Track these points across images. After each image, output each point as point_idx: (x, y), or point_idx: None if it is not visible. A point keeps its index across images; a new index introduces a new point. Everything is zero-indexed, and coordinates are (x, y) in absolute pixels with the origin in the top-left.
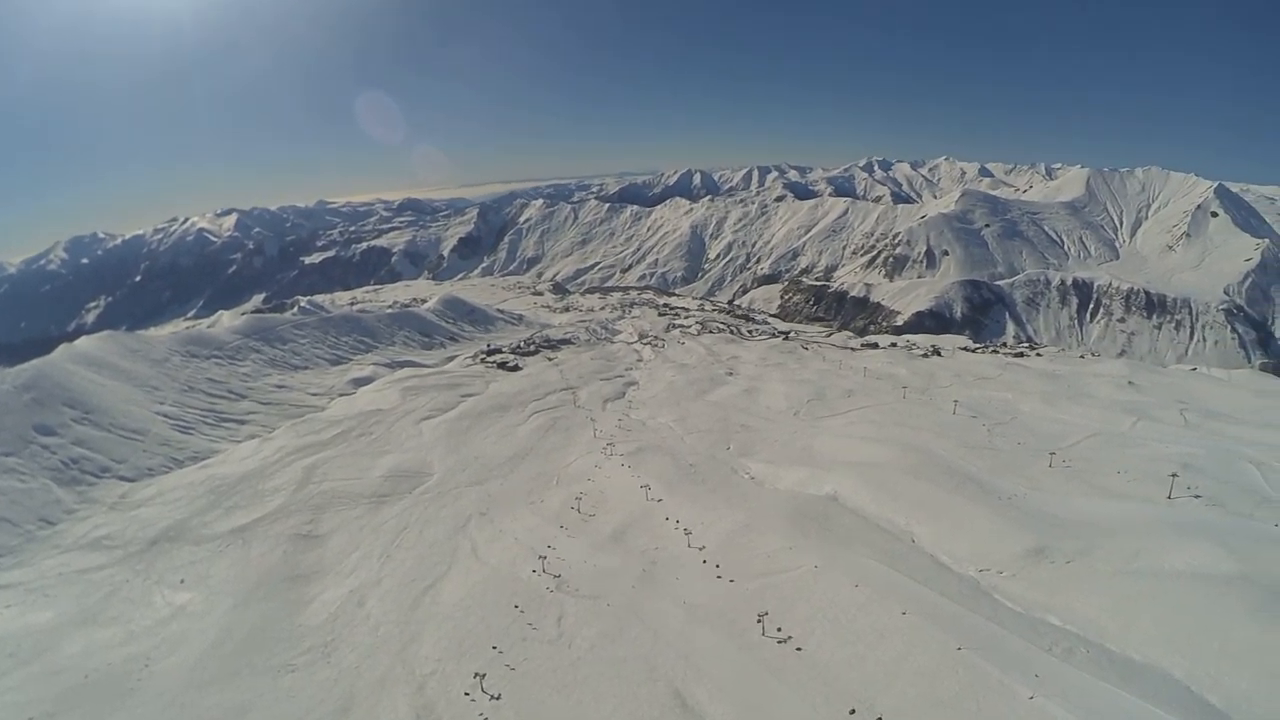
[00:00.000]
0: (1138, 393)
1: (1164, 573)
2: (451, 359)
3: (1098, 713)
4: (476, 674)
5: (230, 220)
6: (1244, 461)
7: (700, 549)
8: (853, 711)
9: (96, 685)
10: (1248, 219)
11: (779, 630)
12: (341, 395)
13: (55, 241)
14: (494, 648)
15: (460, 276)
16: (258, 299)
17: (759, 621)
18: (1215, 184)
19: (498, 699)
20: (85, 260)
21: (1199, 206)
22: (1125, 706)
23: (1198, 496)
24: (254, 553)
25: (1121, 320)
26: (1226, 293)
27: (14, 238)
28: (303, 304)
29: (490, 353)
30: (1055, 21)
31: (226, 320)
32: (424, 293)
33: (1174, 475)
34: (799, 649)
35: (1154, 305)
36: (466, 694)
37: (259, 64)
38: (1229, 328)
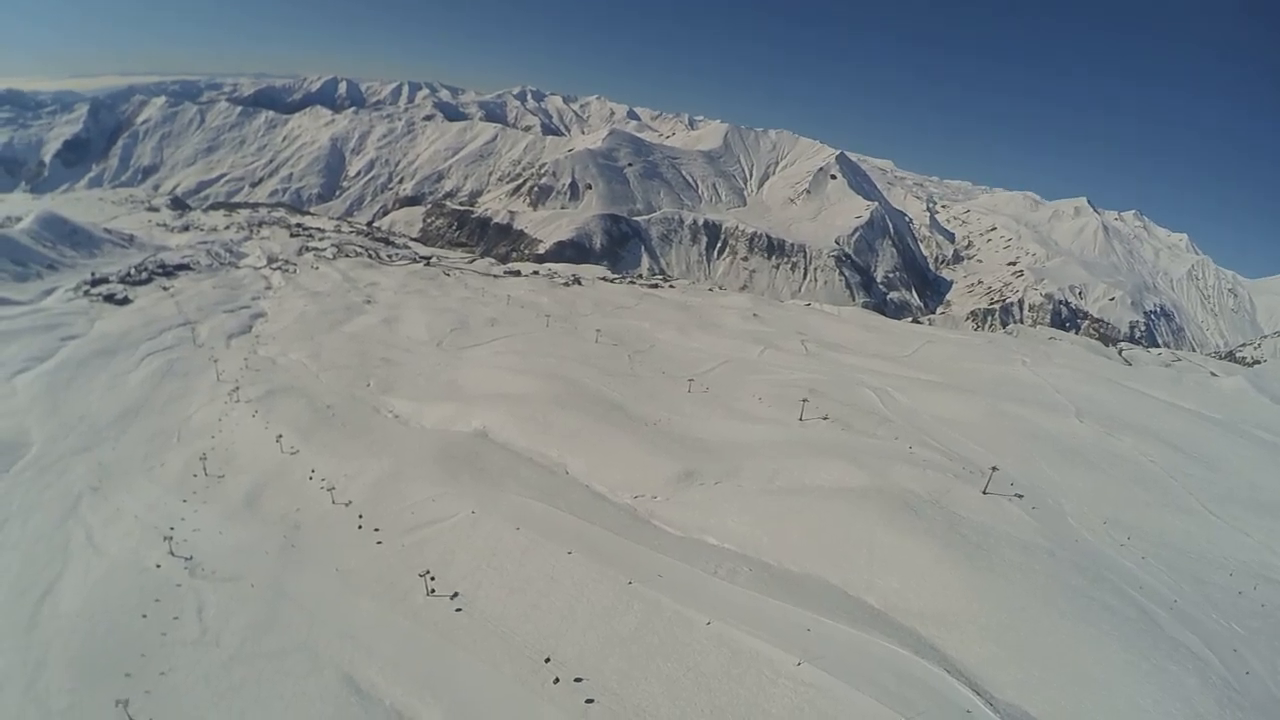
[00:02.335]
0: (762, 324)
1: (806, 489)
2: (50, 292)
3: (773, 628)
4: (118, 701)
5: None
6: (862, 387)
7: (347, 505)
8: (548, 660)
9: None
10: (861, 184)
11: (444, 588)
12: None
13: None
14: (127, 674)
15: (65, 188)
16: None
17: (423, 582)
18: (838, 152)
19: None
20: None
21: (821, 169)
22: (795, 618)
23: (825, 418)
24: None
25: (745, 259)
26: (838, 243)
27: None
28: None
29: (95, 283)
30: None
31: None
32: (20, 209)
33: (804, 400)
34: (469, 606)
35: (774, 248)
36: None
37: None
38: (838, 271)
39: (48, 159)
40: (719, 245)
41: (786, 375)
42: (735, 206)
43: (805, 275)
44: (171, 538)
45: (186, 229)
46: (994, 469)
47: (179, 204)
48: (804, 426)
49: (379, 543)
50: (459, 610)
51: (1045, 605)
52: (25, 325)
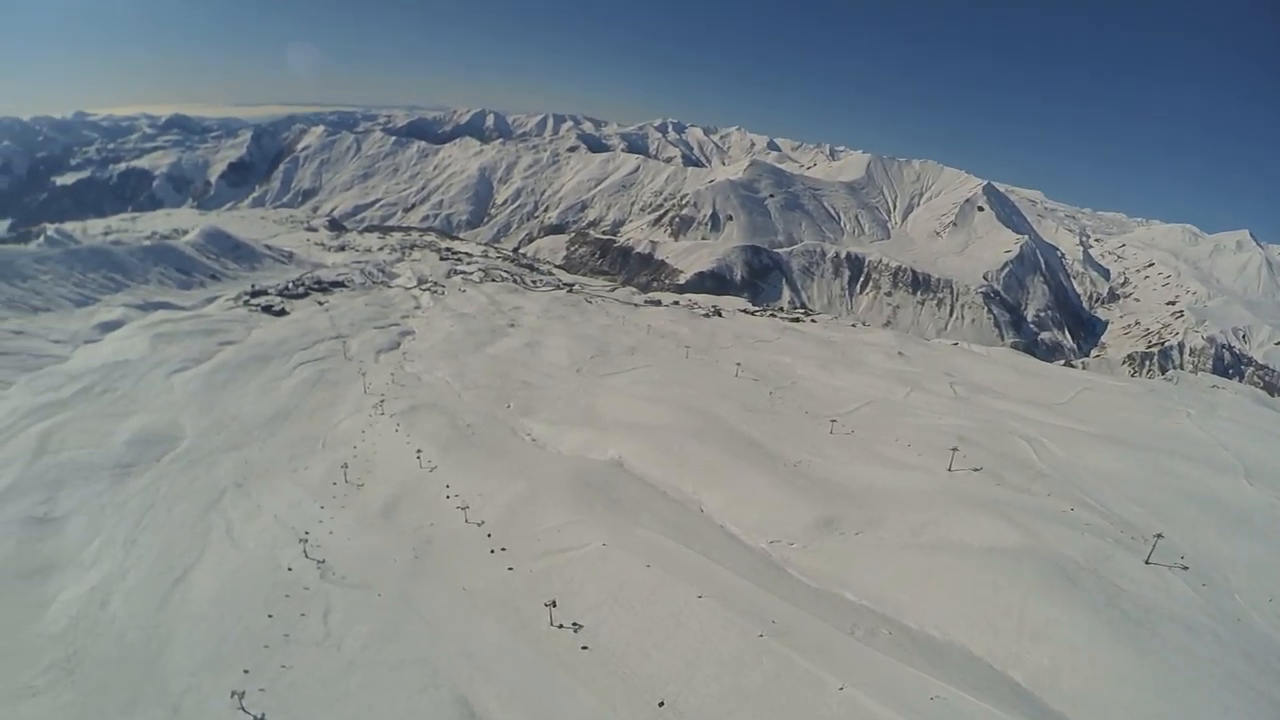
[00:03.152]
0: (907, 363)
1: (953, 546)
2: (212, 300)
3: (910, 701)
4: (234, 692)
5: None
6: (1014, 436)
7: (479, 525)
8: (661, 704)
9: None
10: (1010, 216)
11: (567, 619)
12: (87, 343)
13: None
14: (250, 668)
15: (228, 206)
16: (2, 226)
17: (548, 610)
18: (984, 183)
19: None
20: None
21: (968, 200)
22: (933, 691)
23: (977, 469)
24: None
25: (889, 294)
26: (985, 278)
27: None
28: (50, 233)
29: (254, 294)
30: (840, 27)
31: None
32: (186, 223)
33: (954, 449)
34: (593, 641)
35: (919, 283)
36: None
37: None
38: (986, 309)
39: (213, 179)
40: (861, 279)
41: (934, 420)
42: (878, 239)
43: (951, 312)
44: (307, 540)
45: (342, 249)
46: (1158, 536)
47: (336, 225)
48: (953, 477)
49: (510, 568)
50: (581, 643)
51: (1209, 697)
52: (186, 329)
